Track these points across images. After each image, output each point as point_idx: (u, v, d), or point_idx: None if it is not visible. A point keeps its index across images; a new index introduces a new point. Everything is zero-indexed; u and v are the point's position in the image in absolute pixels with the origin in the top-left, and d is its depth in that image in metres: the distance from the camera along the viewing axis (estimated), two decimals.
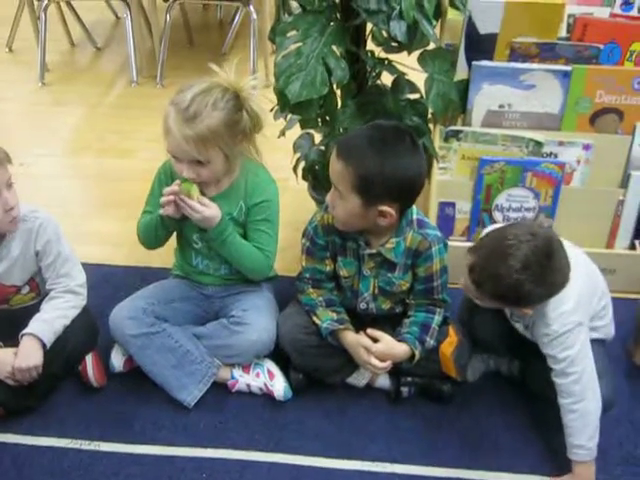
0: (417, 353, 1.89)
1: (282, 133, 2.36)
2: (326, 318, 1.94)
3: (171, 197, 1.86)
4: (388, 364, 1.88)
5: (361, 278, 1.95)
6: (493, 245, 1.69)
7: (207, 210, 1.88)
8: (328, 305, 1.97)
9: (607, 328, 1.95)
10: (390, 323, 2.00)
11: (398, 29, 1.87)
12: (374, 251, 1.88)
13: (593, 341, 1.81)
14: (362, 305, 1.99)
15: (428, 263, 1.89)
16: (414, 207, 1.89)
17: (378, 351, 1.87)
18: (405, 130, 1.78)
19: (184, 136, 1.78)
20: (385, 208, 1.74)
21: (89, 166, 3.15)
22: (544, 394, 1.87)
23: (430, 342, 1.92)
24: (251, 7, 3.66)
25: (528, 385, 2.04)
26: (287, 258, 2.27)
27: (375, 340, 1.89)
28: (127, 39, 3.75)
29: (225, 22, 4.44)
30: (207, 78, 1.84)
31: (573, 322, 1.74)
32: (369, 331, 1.90)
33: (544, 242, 1.65)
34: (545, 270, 1.63)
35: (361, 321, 2.01)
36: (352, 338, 1.92)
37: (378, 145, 1.70)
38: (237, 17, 3.92)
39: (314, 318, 1.96)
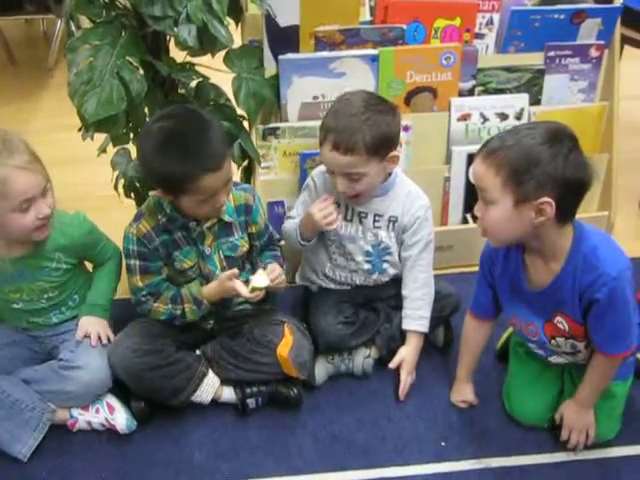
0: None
1: (102, 150, 2.25)
2: (188, 311, 1.92)
3: None
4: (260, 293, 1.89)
5: (206, 259, 1.92)
6: None
7: None
8: (177, 302, 1.92)
9: None
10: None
11: (187, 33, 1.78)
12: (208, 223, 1.87)
13: None
14: None
15: (261, 211, 2.00)
16: None
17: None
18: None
19: None
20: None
21: None
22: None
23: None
24: None
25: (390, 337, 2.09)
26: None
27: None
28: None
29: (50, 35, 4.22)
30: None
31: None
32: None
33: None
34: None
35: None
36: (213, 285, 1.91)
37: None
38: (57, 29, 3.73)
39: (183, 320, 1.94)
